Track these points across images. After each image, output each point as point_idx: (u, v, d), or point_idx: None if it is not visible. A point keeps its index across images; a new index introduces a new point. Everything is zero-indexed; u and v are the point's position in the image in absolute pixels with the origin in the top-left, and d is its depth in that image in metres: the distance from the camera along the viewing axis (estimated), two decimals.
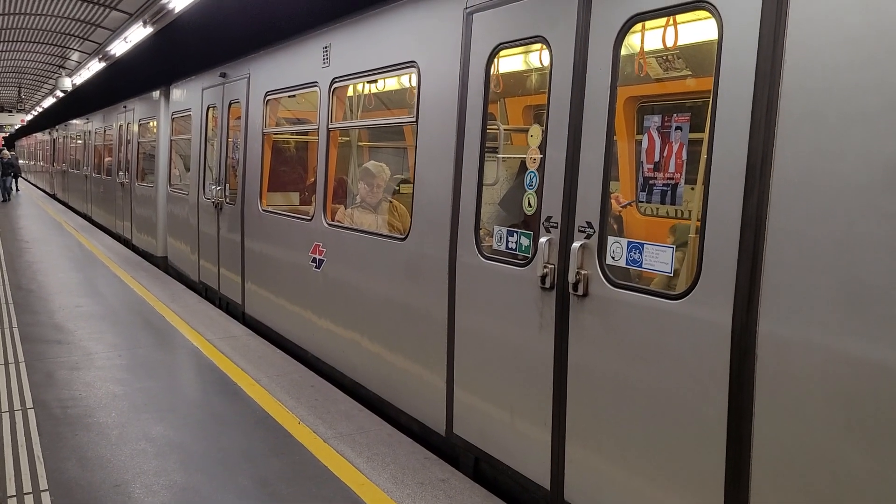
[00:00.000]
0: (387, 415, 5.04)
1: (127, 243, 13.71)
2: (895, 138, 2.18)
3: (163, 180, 11.20)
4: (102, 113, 16.94)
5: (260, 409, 5.09)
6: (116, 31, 19.67)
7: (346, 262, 5.61)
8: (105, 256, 12.01)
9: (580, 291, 3.34)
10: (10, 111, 51.24)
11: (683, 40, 3.34)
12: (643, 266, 3.14)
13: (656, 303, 3.00)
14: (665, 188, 3.12)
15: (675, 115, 3.14)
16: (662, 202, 3.19)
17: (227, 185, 8.28)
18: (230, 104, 8.22)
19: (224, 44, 8.84)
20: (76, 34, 23.59)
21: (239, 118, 7.83)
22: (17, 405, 5.01)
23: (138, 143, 12.97)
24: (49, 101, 37.92)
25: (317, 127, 6.12)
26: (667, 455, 2.94)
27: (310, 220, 6.19)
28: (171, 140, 11.08)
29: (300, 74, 6.50)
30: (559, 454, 3.52)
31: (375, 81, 5.92)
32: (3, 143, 17.15)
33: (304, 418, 4.90)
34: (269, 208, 7.19)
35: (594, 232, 3.30)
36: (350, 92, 6.24)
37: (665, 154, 3.13)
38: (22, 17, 22.14)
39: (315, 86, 6.14)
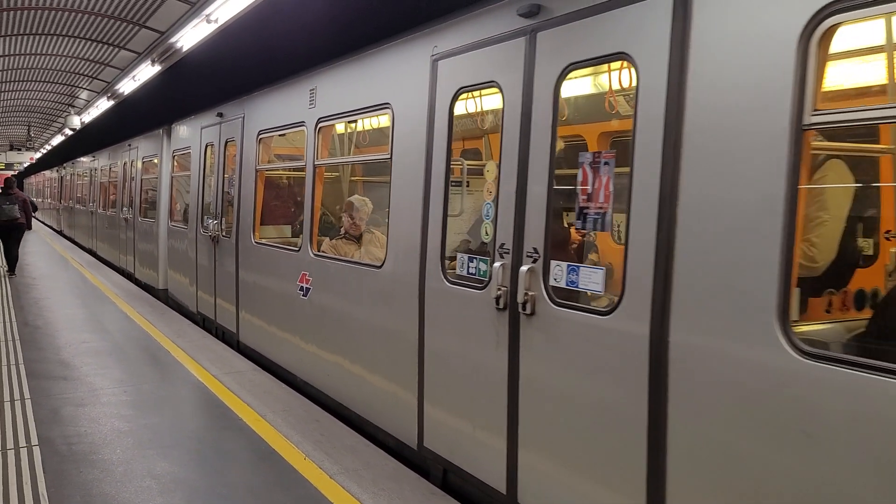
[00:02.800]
0: (368, 433, 5.31)
1: (130, 277, 14.04)
2: (770, 172, 2.61)
3: (164, 215, 11.58)
4: (108, 151, 17.45)
5: (265, 444, 5.06)
6: (125, 70, 20.01)
7: (330, 289, 5.96)
8: (111, 292, 12.05)
9: (528, 310, 3.72)
10: (20, 149, 51.86)
11: (617, 86, 3.73)
12: (579, 286, 3.53)
13: (590, 318, 3.42)
14: (596, 216, 3.56)
15: (602, 151, 3.77)
16: (594, 229, 3.68)
17: (224, 218, 8.63)
18: (226, 142, 8.65)
19: (221, 85, 9.32)
20: (85, 73, 23.99)
21: (234, 155, 8.23)
22: (22, 442, 4.99)
23: (142, 179, 13.43)
24: (58, 139, 38.41)
25: (304, 163, 6.53)
26: (602, 455, 3.32)
27: (297, 250, 6.57)
28: (173, 176, 11.50)
29: (289, 115, 6.95)
30: (513, 460, 3.87)
31: (356, 121, 6.43)
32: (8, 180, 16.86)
33: (310, 453, 4.87)
34: (262, 240, 7.61)
35: (539, 257, 3.70)
36: (338, 130, 6.77)
37: (596, 186, 3.55)
38: (33, 57, 22.56)
39: (302, 125, 6.56)
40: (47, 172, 36.79)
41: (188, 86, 13.38)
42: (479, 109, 4.69)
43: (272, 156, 7.88)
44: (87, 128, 27.80)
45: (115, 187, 16.16)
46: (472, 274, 4.31)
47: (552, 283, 3.64)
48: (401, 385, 4.90)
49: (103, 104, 23.26)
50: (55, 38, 19.48)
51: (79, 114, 28.91)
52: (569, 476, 3.50)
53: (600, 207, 3.53)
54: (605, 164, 3.52)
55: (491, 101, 4.66)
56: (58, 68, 24.26)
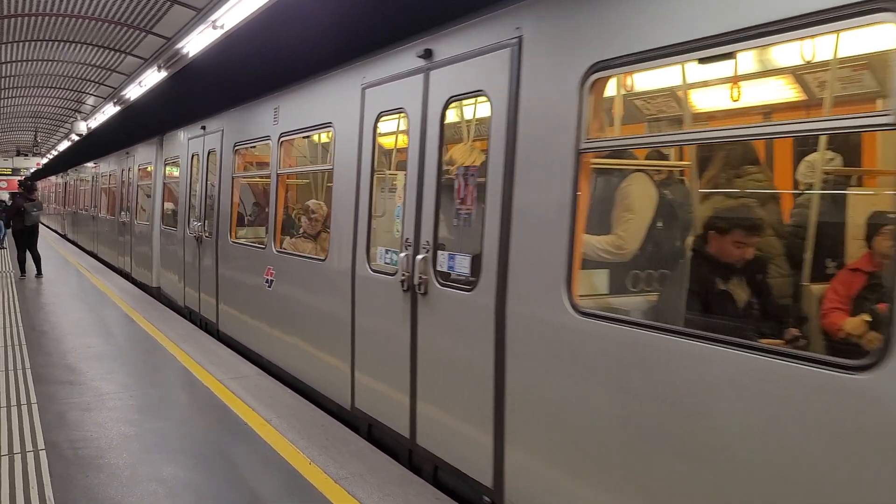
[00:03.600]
0: (317, 401, 6.21)
1: (127, 277, 14.83)
2: (563, 183, 3.53)
3: (157, 219, 12.56)
4: (107, 158, 18.55)
5: (271, 449, 5.07)
6: (131, 76, 20.11)
7: (289, 281, 6.98)
8: (116, 297, 12.09)
9: (422, 290, 4.66)
10: (26, 155, 52.10)
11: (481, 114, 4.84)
12: (455, 270, 4.47)
13: (461, 294, 4.33)
14: (466, 215, 4.53)
15: (470, 166, 4.61)
16: (465, 226, 4.57)
17: (207, 221, 9.60)
18: (209, 152, 9.63)
19: (205, 102, 10.15)
20: (92, 79, 24.10)
21: (216, 164, 9.25)
22: (28, 446, 5.01)
23: (138, 185, 14.42)
24: (64, 145, 38.59)
25: (269, 172, 7.58)
26: (468, 398, 4.24)
27: (264, 248, 7.60)
28: (165, 183, 12.55)
29: (258, 130, 7.97)
30: (414, 411, 4.84)
31: (309, 137, 7.40)
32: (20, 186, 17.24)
33: (315, 458, 4.87)
34: (237, 240, 8.63)
35: (430, 248, 4.63)
36: (296, 143, 7.78)
37: (465, 193, 4.56)
38: (40, 63, 22.67)
39: (268, 139, 7.57)
40: (52, 178, 37.57)
41: (177, 101, 13.51)
42: (395, 129, 5.66)
43: (247, 164, 9.00)
44: (93, 133, 27.93)
45: (115, 192, 17.11)
46: (387, 263, 5.26)
47: (438, 268, 4.58)
48: (339, 358, 5.83)
49: (110, 110, 23.38)
50: (62, 44, 19.58)
51: (85, 119, 29.05)
52: (449, 418, 4.51)
53: (469, 209, 4.54)
54: (472, 175, 4.52)
55: (402, 123, 5.43)
56: (65, 74, 24.37)
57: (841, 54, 3.59)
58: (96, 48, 19.52)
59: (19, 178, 49.36)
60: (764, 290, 3.46)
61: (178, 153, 11.38)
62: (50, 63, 22.62)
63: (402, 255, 4.84)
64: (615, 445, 3.27)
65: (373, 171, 5.47)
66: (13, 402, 6.04)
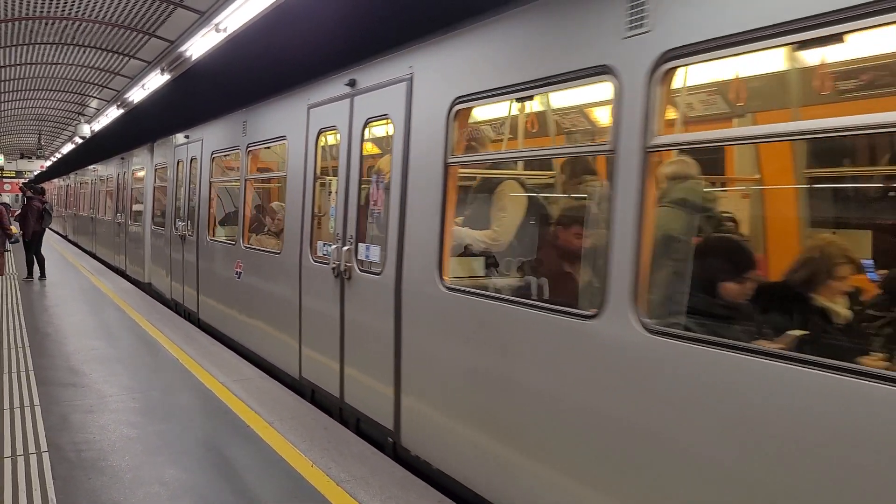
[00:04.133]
0: (275, 375, 7.21)
1: (122, 274, 15.87)
2: (437, 190, 4.60)
3: (148, 219, 13.61)
4: (104, 163, 19.75)
5: (273, 451, 5.07)
6: (134, 79, 20.16)
7: (253, 272, 8.07)
8: (119, 299, 12.11)
9: (347, 276, 5.75)
10: (30, 157, 52.21)
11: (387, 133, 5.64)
12: (370, 258, 5.54)
13: (375, 278, 5.35)
14: (378, 215, 5.54)
15: (381, 174, 5.51)
16: (377, 223, 5.55)
17: (189, 221, 10.55)
18: (191, 159, 10.66)
19: (187, 114, 11.03)
20: (96, 82, 24.17)
21: (196, 170, 10.39)
22: (31, 448, 5.02)
23: (132, 189, 15.46)
24: (67, 148, 38.68)
25: (239, 179, 8.73)
26: (378, 360, 5.25)
27: (234, 244, 8.68)
28: (154, 186, 13.49)
29: (231, 140, 9.04)
30: (342, 374, 5.89)
31: (269, 147, 8.29)
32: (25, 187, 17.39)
33: (318, 461, 4.88)
34: (214, 238, 9.61)
35: (353, 242, 5.74)
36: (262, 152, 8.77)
37: (377, 196, 5.56)
38: (44, 66, 22.74)
39: (237, 148, 8.71)
40: (55, 181, 38.19)
41: (196, 94, 13.61)
42: (333, 143, 6.59)
43: (224, 170, 10.01)
44: (96, 136, 28.00)
45: (111, 195, 18.21)
46: (325, 255, 6.23)
47: (360, 257, 5.66)
48: (290, 336, 6.88)
49: (113, 112, 23.44)
50: (66, 47, 19.64)
51: (89, 122, 29.12)
52: (366, 378, 5.52)
53: (379, 209, 5.51)
54: (381, 182, 5.47)
55: (336, 138, 6.41)
56: (69, 77, 24.45)
57: (582, 102, 5.11)
58: (100, 51, 19.59)
59: (23, 180, 49.46)
60: (598, 271, 3.84)
61: (166, 159, 12.41)
62: (54, 66, 22.69)
63: (333, 247, 5.99)
64: (466, 383, 4.36)
65: (315, 177, 6.62)
66: (16, 404, 6.05)
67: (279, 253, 7.29)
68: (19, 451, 4.98)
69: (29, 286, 13.74)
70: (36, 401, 6.15)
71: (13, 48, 19.66)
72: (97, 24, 16.77)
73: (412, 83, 4.97)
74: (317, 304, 6.34)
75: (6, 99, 29.40)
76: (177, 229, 11.04)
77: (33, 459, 4.82)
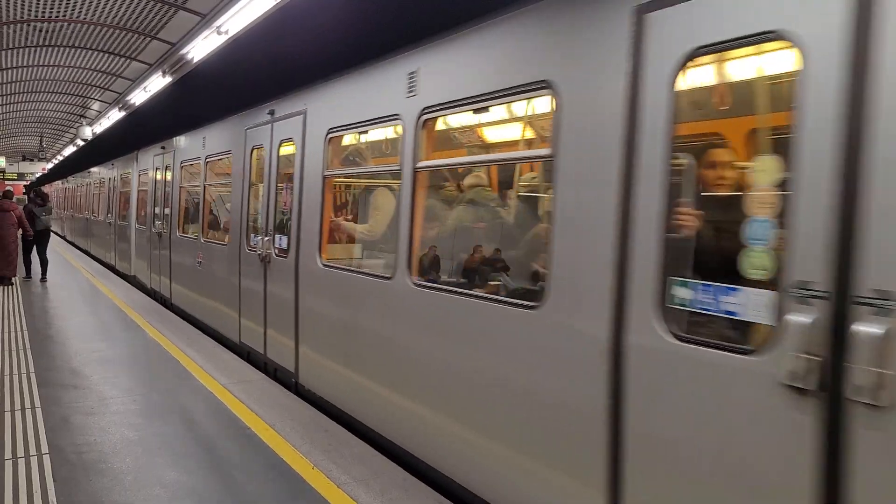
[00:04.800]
0: (224, 342, 8.85)
1: (112, 269, 17.47)
2: (318, 194, 6.37)
3: (133, 219, 15.46)
4: (97, 168, 21.82)
5: (274, 454, 5.07)
6: (136, 81, 20.19)
7: (209, 261, 9.75)
8: (121, 301, 12.12)
9: (268, 260, 7.48)
10: (32, 160, 52.28)
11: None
12: (282, 246, 7.21)
13: (284, 260, 7.08)
14: (287, 213, 7.22)
15: (288, 182, 7.25)
16: (287, 219, 7.17)
17: (164, 220, 12.28)
18: (166, 167, 12.49)
19: (188, 116, 11.83)
20: (97, 84, 24.20)
21: (171, 176, 12.13)
22: (32, 450, 5.02)
23: (120, 192, 17.21)
24: (69, 150, 38.71)
25: (200, 184, 10.44)
26: (288, 323, 6.89)
27: (196, 239, 10.44)
28: (139, 190, 15.17)
29: (195, 152, 10.69)
30: (265, 335, 7.60)
31: (221, 159, 9.78)
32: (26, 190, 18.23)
33: (319, 463, 4.87)
34: (182, 234, 11.31)
35: (272, 234, 7.48)
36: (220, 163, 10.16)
37: (286, 199, 7.29)
38: (46, 68, 22.78)
39: (199, 160, 10.47)
40: (56, 183, 39.02)
41: (198, 97, 13.65)
42: (260, 158, 8.13)
43: (191, 176, 11.37)
44: (97, 138, 28.05)
45: (103, 198, 20.12)
46: (255, 244, 7.90)
47: (276, 246, 7.38)
48: (233, 310, 8.59)
49: (114, 115, 23.47)
50: (68, 49, 19.67)
51: (90, 124, 29.16)
52: (280, 336, 7.20)
53: (287, 208, 7.21)
54: (289, 188, 7.15)
55: (262, 154, 8.06)
56: (70, 79, 24.48)
57: (390, 136, 6.25)
58: (101, 53, 19.62)
59: (24, 182, 49.49)
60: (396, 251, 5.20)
61: (147, 166, 14.24)
62: (55, 69, 22.72)
63: (259, 238, 7.75)
64: (335, 332, 6.04)
65: (250, 184, 8.39)
66: (17, 406, 6.05)
67: (226, 244, 9.04)
68: (20, 452, 4.97)
69: (30, 287, 13.74)
70: (37, 403, 6.15)
71: (15, 50, 19.69)
72: (99, 27, 16.80)
73: (306, 116, 6.79)
74: (249, 283, 8.04)
75: (8, 101, 29.45)
76: (155, 227, 12.99)
77: (34, 461, 4.82)
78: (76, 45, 19.00)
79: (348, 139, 6.52)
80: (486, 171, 5.99)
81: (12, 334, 9.10)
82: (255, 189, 8.22)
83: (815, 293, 2.48)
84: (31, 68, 22.69)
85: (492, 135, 5.93)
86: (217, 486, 4.50)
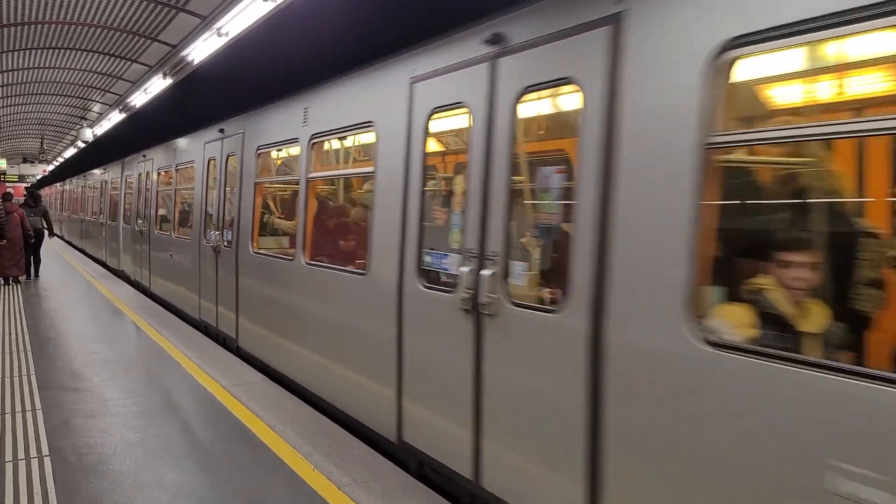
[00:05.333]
0: (188, 319, 10.61)
1: (104, 265, 19.14)
2: (251, 196, 8.18)
3: (121, 220, 17.19)
4: (91, 173, 23.80)
5: (274, 455, 5.07)
6: (137, 83, 20.19)
7: (178, 252, 11.43)
8: (121, 302, 12.12)
9: (218, 251, 9.14)
10: (33, 162, 52.32)
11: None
12: (229, 240, 8.76)
13: (229, 249, 8.72)
14: (230, 210, 8.89)
15: (232, 186, 8.94)
16: (231, 216, 8.82)
17: (145, 220, 14.11)
18: (147, 172, 14.38)
19: (189, 118, 12.37)
20: (98, 86, 24.21)
21: (151, 180, 14.11)
22: (32, 452, 5.02)
23: (110, 195, 19.08)
24: (70, 152, 38.73)
25: (172, 188, 12.40)
26: (231, 300, 8.61)
27: (169, 235, 12.30)
28: (125, 193, 17.04)
29: (168, 161, 12.60)
30: (217, 311, 9.19)
31: (188, 167, 11.42)
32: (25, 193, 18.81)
33: (319, 465, 4.87)
34: (159, 231, 13.08)
35: (222, 229, 9.09)
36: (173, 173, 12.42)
37: (232, 200, 8.79)
38: (46, 70, 22.78)
39: (171, 167, 12.38)
40: (55, 186, 40.47)
41: (198, 98, 13.68)
42: (215, 166, 9.84)
43: (168, 181, 13.00)
44: (97, 141, 28.07)
45: (96, 200, 22.08)
46: (209, 238, 9.55)
47: (224, 239, 8.95)
48: (194, 293, 10.35)
49: (115, 117, 23.48)
50: (69, 51, 19.68)
51: (91, 126, 29.17)
52: (226, 311, 8.85)
53: (233, 208, 8.70)
54: (234, 191, 8.71)
55: (216, 164, 9.80)
56: (71, 81, 24.49)
57: (293, 154, 7.67)
58: (102, 55, 19.62)
59: (25, 185, 49.54)
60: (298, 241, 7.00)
61: (132, 171, 16.06)
62: (56, 70, 22.73)
63: (215, 233, 9.35)
64: (262, 304, 7.74)
65: (207, 188, 10.09)
66: (18, 408, 6.06)
67: (190, 238, 10.76)
68: (21, 455, 4.98)
69: (30, 289, 13.75)
70: (37, 405, 6.15)
71: (16, 52, 19.70)
72: (99, 29, 16.81)
73: (244, 136, 8.47)
74: (206, 269, 9.73)
75: (9, 103, 29.47)
76: (137, 226, 14.75)
77: (34, 463, 4.82)
78: (77, 47, 19.01)
79: (274, 154, 8.34)
80: (343, 182, 8.18)
81: (13, 336, 9.10)
82: (211, 193, 9.92)
83: (472, 254, 4.34)
84: (31, 70, 22.70)
85: (348, 156, 7.61)
86: (217, 488, 4.50)
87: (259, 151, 7.99)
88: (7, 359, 7.85)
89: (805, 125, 2.99)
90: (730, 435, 2.79)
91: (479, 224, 4.29)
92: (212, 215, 9.71)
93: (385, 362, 5.20)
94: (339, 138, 6.76)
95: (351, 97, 6.03)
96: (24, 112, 33.14)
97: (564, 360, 3.62)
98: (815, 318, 3.14)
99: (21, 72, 22.83)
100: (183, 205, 12.17)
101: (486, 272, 4.16)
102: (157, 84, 16.99)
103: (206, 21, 12.90)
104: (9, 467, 4.74)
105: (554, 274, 4.09)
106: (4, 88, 25.61)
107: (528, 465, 3.88)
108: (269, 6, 9.49)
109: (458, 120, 4.85)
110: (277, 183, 8.95)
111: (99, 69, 21.63)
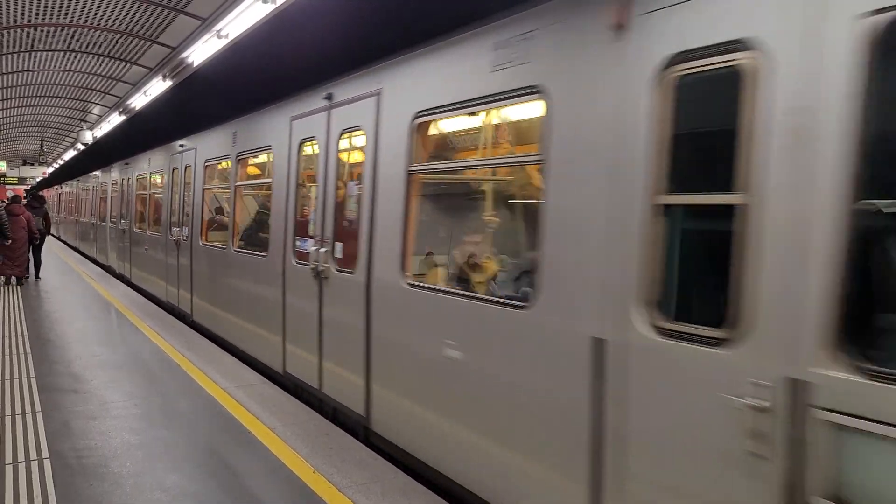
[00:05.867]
0: (157, 301, 12.70)
1: (94, 261, 21.03)
2: (200, 200, 10.48)
3: (108, 220, 19.22)
4: (85, 177, 25.82)
5: (274, 457, 5.06)
6: (136, 85, 20.20)
7: (151, 248, 13.45)
8: (122, 305, 12.12)
9: (179, 244, 11.20)
10: (33, 164, 52.32)
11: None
12: (185, 234, 10.97)
13: (186, 242, 10.88)
14: (187, 212, 11.13)
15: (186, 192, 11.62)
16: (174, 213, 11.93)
17: (126, 219, 16.40)
18: (126, 179, 16.64)
19: (189, 119, 12.88)
20: (98, 89, 24.22)
21: (131, 185, 16.39)
22: (32, 455, 5.01)
23: (100, 197, 21.09)
24: (70, 154, 38.74)
25: (146, 192, 14.60)
26: (187, 284, 10.95)
27: (143, 231, 14.41)
28: (111, 196, 19.00)
29: (144, 168, 14.71)
30: (178, 293, 11.36)
31: (160, 173, 13.58)
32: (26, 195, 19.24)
33: (319, 467, 4.87)
34: (136, 230, 15.27)
35: (181, 226, 11.21)
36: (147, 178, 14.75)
37: (189, 202, 11.06)
38: (46, 73, 22.80)
39: (146, 173, 14.51)
40: (50, 190, 42.06)
41: (198, 100, 13.67)
42: (181, 174, 11.71)
43: (142, 188, 15.26)
44: (97, 143, 28.10)
45: (88, 202, 24.39)
46: (173, 233, 11.50)
47: (183, 234, 10.98)
48: (162, 280, 12.28)
49: (115, 119, 23.48)
50: (69, 53, 19.69)
51: (91, 129, 29.17)
52: (185, 293, 10.86)
53: (188, 209, 10.86)
54: (162, 195, 12.71)
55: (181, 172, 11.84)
56: (71, 84, 24.50)
57: (263, 161, 8.99)
58: (102, 58, 19.63)
59: (25, 187, 49.55)
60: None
61: (117, 177, 18.31)
62: (56, 73, 22.74)
63: (176, 230, 11.36)
64: (214, 287, 9.45)
65: (172, 192, 12.08)
66: (18, 410, 6.05)
67: (158, 234, 12.92)
68: (21, 457, 4.97)
69: (30, 291, 13.75)
70: (38, 407, 6.15)
71: (16, 55, 19.72)
72: (99, 31, 16.82)
73: (197, 151, 10.55)
74: (170, 260, 11.75)
75: (9, 105, 29.48)
76: (120, 225, 17.13)
77: (34, 466, 4.81)
78: (77, 49, 19.02)
79: (218, 166, 10.16)
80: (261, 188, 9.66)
81: (13, 338, 9.10)
82: (175, 197, 11.96)
83: (317, 239, 6.42)
84: (32, 72, 22.71)
85: (263, 170, 9.31)
86: (217, 490, 4.50)
87: (206, 164, 10.21)
88: (7, 361, 7.84)
89: (451, 163, 5.70)
90: (415, 326, 4.92)
91: (321, 218, 6.40)
92: (174, 215, 11.93)
93: (276, 317, 7.26)
94: (253, 156, 8.89)
95: (260, 127, 8.22)
96: (24, 114, 33.15)
97: (357, 299, 5.63)
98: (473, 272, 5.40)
99: (21, 74, 22.84)
100: (156, 207, 14.33)
101: (322, 250, 6.28)
102: (157, 86, 17.01)
103: (205, 23, 12.91)
104: (9, 470, 4.74)
105: (352, 251, 5.96)
106: (4, 91, 25.62)
107: (342, 371, 5.95)
108: (269, 7, 9.49)
109: (314, 148, 6.75)
110: (218, 189, 10.75)
111: (99, 71, 21.64)
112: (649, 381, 3.13)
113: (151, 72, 18.38)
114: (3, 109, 30.19)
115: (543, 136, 3.79)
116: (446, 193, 6.20)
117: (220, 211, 10.95)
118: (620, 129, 3.28)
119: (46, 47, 18.93)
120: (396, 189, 5.12)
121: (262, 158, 8.84)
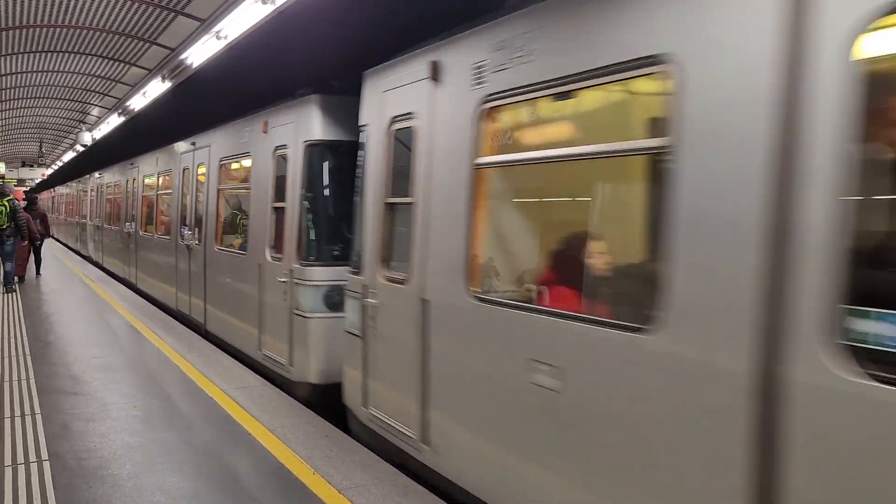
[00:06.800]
0: (148, 298, 13.28)
1: (89, 259, 22.31)
2: (178, 202, 11.85)
3: (95, 219, 21.30)
4: (79, 180, 27.60)
5: (274, 459, 5.06)
6: (135, 87, 20.18)
7: (137, 244, 14.77)
8: (121, 307, 12.11)
9: (177, 242, 11.89)
10: (31, 166, 52.28)
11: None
12: (184, 234, 11.14)
13: (164, 240, 12.51)
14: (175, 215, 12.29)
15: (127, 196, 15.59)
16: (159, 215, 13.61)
17: (108, 219, 18.76)
18: (116, 182, 18.16)
19: (188, 121, 12.97)
20: (97, 90, 24.20)
21: (121, 188, 17.71)
22: (32, 457, 5.00)
23: (91, 199, 23.06)
24: (69, 156, 38.73)
25: (124, 195, 16.31)
26: (184, 286, 11.05)
27: (120, 229, 16.25)
28: (96, 198, 21.25)
29: (122, 176, 16.85)
30: (176, 296, 11.36)
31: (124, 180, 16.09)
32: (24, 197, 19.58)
33: (319, 469, 4.86)
34: (112, 227, 17.25)
35: (179, 224, 11.50)
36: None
37: (177, 205, 12.17)
38: (45, 74, 22.77)
39: (122, 179, 16.77)
40: (46, 193, 43.04)
41: (198, 101, 13.70)
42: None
43: (127, 191, 16.64)
44: (96, 144, 28.09)
45: (84, 204, 25.51)
46: (160, 235, 12.93)
47: (182, 232, 11.09)
48: (161, 280, 12.63)
49: (114, 120, 23.47)
50: (68, 55, 19.66)
51: (90, 130, 29.14)
52: (183, 295, 11.03)
53: (174, 213, 11.97)
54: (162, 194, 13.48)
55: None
56: (70, 85, 24.46)
57: (246, 166, 8.91)
58: (101, 59, 19.60)
59: (24, 188, 49.51)
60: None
61: (102, 181, 20.18)
62: (55, 74, 22.70)
63: (129, 224, 14.98)
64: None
65: (157, 195, 13.45)
66: (17, 412, 6.04)
67: (133, 232, 14.62)
68: (20, 459, 4.96)
69: (29, 292, 13.74)
70: (37, 409, 6.14)
71: (14, 56, 19.69)
72: (98, 32, 16.79)
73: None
74: (153, 257, 13.12)
75: (7, 107, 29.45)
76: (103, 224, 19.24)
77: (34, 468, 4.80)
78: (76, 50, 18.99)
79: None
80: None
81: (12, 340, 9.08)
82: (132, 200, 14.94)
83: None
84: (30, 74, 22.68)
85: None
86: (217, 492, 4.49)
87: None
88: (6, 363, 7.83)
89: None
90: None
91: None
92: (135, 215, 14.12)
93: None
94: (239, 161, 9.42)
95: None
96: (23, 116, 33.10)
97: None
98: None
99: (20, 75, 22.82)
100: (129, 207, 16.18)
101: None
102: (156, 87, 16.99)
103: (204, 24, 12.89)
104: (8, 472, 4.73)
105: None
106: (3, 92, 25.60)
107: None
108: (269, 9, 9.49)
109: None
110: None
111: (98, 73, 21.60)
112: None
113: (151, 73, 18.36)
114: (1, 111, 30.17)
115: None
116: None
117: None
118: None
119: (45, 48, 18.91)
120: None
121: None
